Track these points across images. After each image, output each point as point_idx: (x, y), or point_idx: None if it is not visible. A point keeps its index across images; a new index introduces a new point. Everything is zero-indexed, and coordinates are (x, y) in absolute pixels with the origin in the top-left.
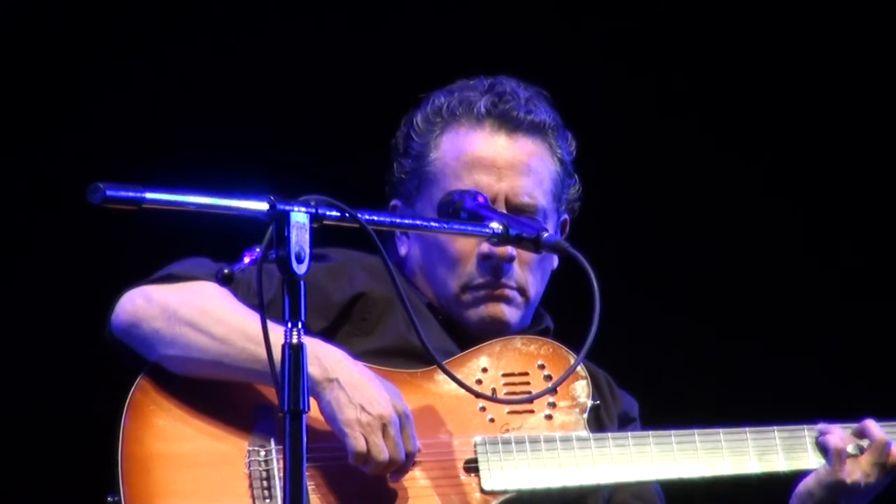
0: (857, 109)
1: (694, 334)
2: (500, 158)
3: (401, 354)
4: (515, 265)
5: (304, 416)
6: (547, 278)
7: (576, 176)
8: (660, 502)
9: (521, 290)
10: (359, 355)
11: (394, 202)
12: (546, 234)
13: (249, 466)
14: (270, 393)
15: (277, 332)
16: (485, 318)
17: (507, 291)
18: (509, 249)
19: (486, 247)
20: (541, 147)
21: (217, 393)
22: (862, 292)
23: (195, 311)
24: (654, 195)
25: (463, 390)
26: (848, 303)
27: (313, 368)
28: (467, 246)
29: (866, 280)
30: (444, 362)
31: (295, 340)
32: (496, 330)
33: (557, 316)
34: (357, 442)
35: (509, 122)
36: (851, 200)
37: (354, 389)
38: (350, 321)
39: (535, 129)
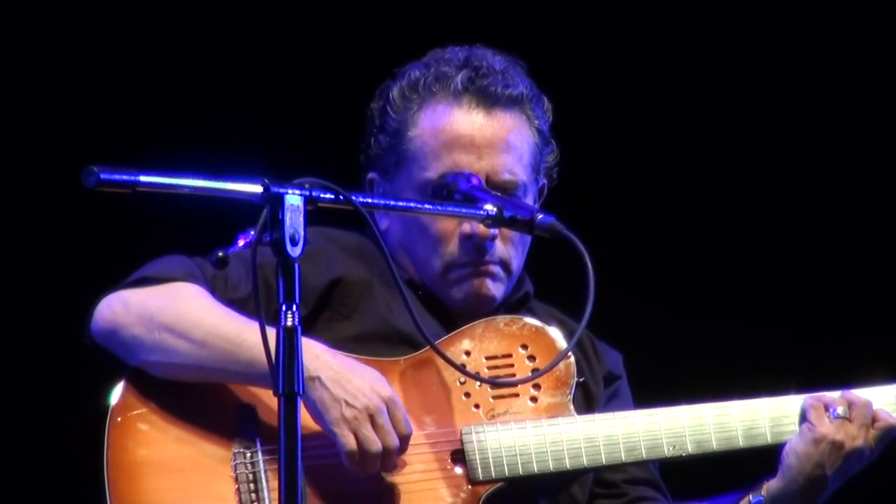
0: (853, 104)
1: (680, 309)
2: (479, 136)
3: (382, 338)
4: (498, 241)
5: (298, 398)
6: (528, 246)
7: (553, 142)
8: (653, 468)
9: (504, 265)
10: (339, 342)
11: (371, 175)
12: (540, 216)
13: (235, 469)
14: (254, 394)
15: (253, 329)
16: (470, 294)
17: (492, 267)
18: (491, 229)
19: (467, 226)
20: (518, 120)
21: (201, 396)
22: (853, 280)
23: (173, 315)
24: (643, 167)
25: (446, 379)
26: (834, 279)
27: None
28: (449, 225)
29: (853, 267)
30: (426, 345)
31: (289, 323)
32: (482, 305)
33: (542, 281)
34: (347, 440)
35: (487, 98)
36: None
37: (337, 385)
38: (330, 306)
39: (512, 103)
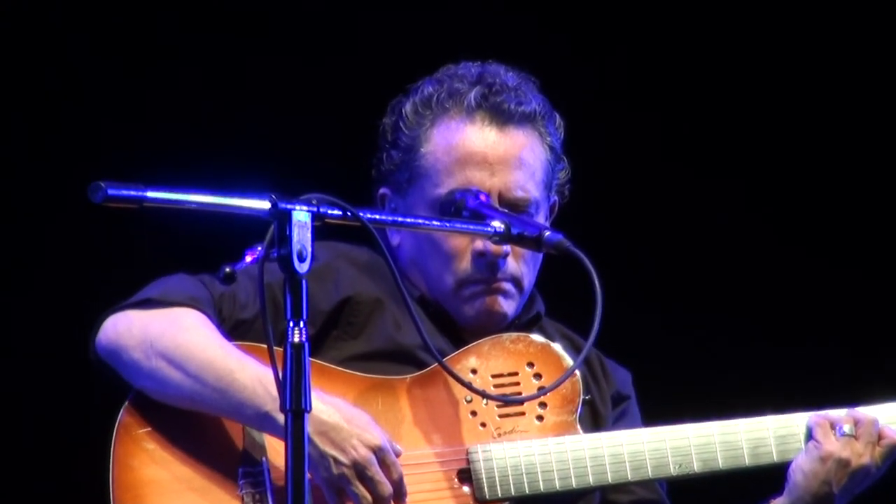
0: (850, 103)
1: (687, 328)
2: (492, 153)
3: (389, 357)
4: (510, 259)
5: (305, 414)
6: (539, 264)
7: (565, 159)
8: (660, 489)
9: (516, 282)
10: (346, 361)
11: (383, 190)
12: (548, 234)
13: (242, 489)
14: None
15: (246, 369)
16: (482, 311)
17: (504, 285)
18: (504, 246)
19: (480, 244)
20: (531, 137)
21: (207, 415)
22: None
23: (171, 344)
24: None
25: (453, 397)
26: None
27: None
28: (462, 242)
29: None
30: (432, 363)
31: (297, 339)
32: (494, 322)
33: (553, 299)
34: (340, 498)
35: (500, 115)
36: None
37: (324, 439)
38: (338, 326)
39: (525, 120)
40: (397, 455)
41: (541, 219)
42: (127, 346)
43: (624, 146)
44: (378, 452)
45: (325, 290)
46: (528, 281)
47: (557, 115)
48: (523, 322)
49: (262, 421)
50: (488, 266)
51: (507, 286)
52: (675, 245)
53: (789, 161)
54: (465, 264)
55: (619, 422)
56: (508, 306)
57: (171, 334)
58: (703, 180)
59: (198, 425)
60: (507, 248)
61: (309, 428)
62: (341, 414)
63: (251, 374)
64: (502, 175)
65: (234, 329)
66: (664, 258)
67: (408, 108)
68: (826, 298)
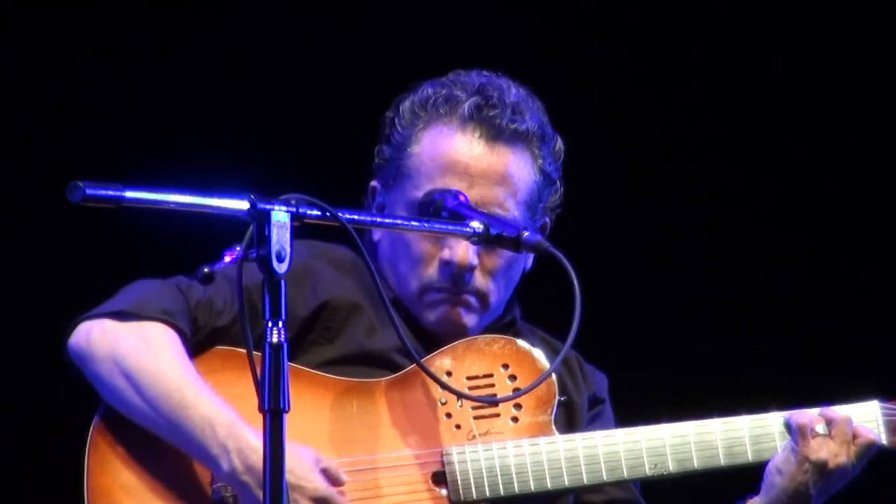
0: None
1: (661, 328)
2: (475, 166)
3: (360, 362)
4: (477, 273)
5: (284, 415)
6: (515, 282)
7: (558, 183)
8: (634, 489)
9: (481, 297)
10: (321, 365)
11: (374, 183)
12: (526, 235)
13: (216, 494)
14: (239, 413)
15: (201, 403)
16: (442, 319)
17: (466, 297)
18: (470, 259)
19: (447, 253)
20: (520, 156)
21: None
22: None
23: (135, 366)
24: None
25: (428, 399)
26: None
27: (227, 461)
28: (431, 248)
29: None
30: (407, 366)
31: (275, 339)
32: (455, 333)
33: (534, 303)
34: None
35: (491, 129)
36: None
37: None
38: (314, 331)
39: (517, 138)
40: (340, 484)
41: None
42: (95, 357)
43: (598, 148)
44: (324, 500)
45: (303, 294)
46: (495, 298)
47: (559, 139)
48: (497, 328)
49: (207, 462)
50: (453, 276)
51: (471, 300)
52: (649, 245)
53: (752, 160)
54: (431, 270)
55: (592, 424)
56: (469, 319)
57: (135, 356)
58: (664, 182)
59: None
60: (474, 261)
61: (250, 480)
62: (290, 456)
63: (202, 414)
64: (481, 188)
65: (211, 336)
66: (635, 258)
67: (406, 105)
68: (796, 298)
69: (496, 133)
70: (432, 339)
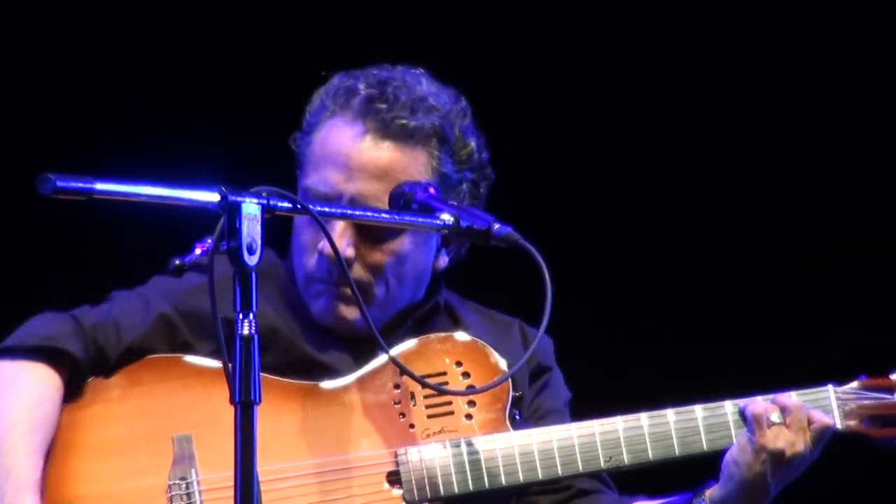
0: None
1: (615, 320)
2: (355, 160)
3: (298, 370)
4: (358, 266)
5: (255, 406)
6: (419, 275)
7: (464, 185)
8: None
9: (364, 290)
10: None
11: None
12: (497, 227)
13: (171, 501)
14: (192, 423)
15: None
16: (324, 310)
17: (342, 289)
18: (344, 251)
19: (322, 245)
20: (411, 155)
21: (135, 426)
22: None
23: None
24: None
25: (381, 400)
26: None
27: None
28: (312, 238)
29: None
30: (344, 371)
31: (246, 331)
32: (344, 327)
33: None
34: None
35: (378, 124)
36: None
37: None
38: None
39: (407, 136)
40: None
41: (401, 240)
42: None
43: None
44: None
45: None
46: (380, 291)
47: (472, 142)
48: (419, 316)
49: None
50: (328, 269)
51: (346, 292)
52: (605, 236)
53: (705, 155)
54: (312, 260)
55: (540, 394)
56: (349, 312)
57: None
58: (620, 175)
59: (126, 437)
60: (350, 254)
61: None
62: None
63: (12, 483)
64: (357, 182)
65: (125, 355)
66: (588, 248)
67: (318, 93)
68: (747, 285)
69: (383, 128)
70: (331, 333)
